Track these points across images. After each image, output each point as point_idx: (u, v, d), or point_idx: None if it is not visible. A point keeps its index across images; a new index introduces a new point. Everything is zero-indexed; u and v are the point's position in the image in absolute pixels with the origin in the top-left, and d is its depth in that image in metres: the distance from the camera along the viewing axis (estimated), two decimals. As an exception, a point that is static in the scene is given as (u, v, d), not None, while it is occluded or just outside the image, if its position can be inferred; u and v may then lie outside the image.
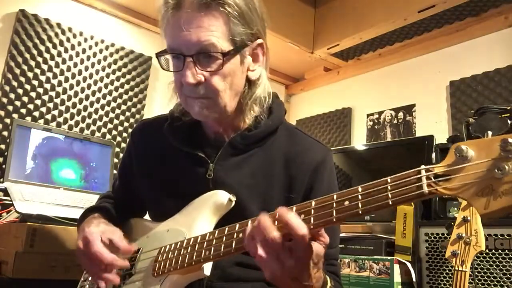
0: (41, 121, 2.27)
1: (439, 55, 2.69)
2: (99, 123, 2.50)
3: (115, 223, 1.09)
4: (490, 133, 1.07)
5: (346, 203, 0.70)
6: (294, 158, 1.04)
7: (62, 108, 2.37)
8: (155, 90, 2.78)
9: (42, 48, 2.32)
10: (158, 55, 0.99)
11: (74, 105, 2.42)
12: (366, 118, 3.02)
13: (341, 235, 1.36)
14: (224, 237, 0.83)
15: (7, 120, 2.16)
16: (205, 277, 0.91)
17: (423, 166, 0.64)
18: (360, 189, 0.69)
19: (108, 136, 2.51)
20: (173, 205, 1.03)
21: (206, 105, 0.97)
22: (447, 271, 1.52)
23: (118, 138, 2.56)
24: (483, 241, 1.18)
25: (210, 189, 0.99)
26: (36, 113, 2.27)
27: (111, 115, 2.55)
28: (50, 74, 2.34)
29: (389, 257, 1.64)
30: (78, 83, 2.45)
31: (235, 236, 0.82)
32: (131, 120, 2.63)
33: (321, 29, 3.03)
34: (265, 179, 1.02)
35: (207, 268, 0.88)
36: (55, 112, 2.34)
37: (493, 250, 1.41)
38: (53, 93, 2.34)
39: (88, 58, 2.51)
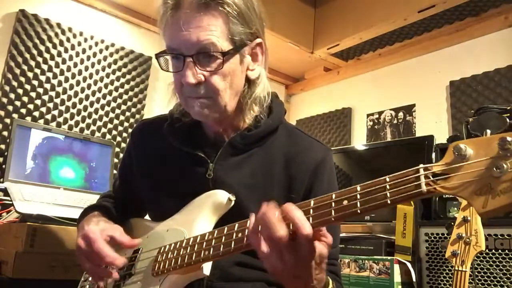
0: (41, 121, 2.27)
1: (439, 55, 2.69)
2: (99, 123, 2.50)
3: (115, 221, 1.09)
4: (488, 131, 1.06)
5: (345, 202, 0.70)
6: (294, 158, 1.04)
7: (62, 108, 2.37)
8: (155, 90, 2.78)
9: (42, 48, 2.32)
10: (157, 56, 0.99)
11: (74, 105, 2.42)
12: (366, 118, 3.02)
13: (341, 235, 1.36)
14: (224, 237, 0.83)
15: (7, 120, 2.16)
16: (205, 277, 0.91)
17: (421, 165, 0.64)
18: (358, 188, 0.69)
19: (108, 136, 2.51)
20: (173, 205, 1.03)
21: (207, 105, 0.97)
22: (447, 271, 1.52)
23: (118, 138, 2.56)
24: (483, 241, 1.18)
25: (210, 189, 0.99)
26: (36, 113, 2.27)
27: (111, 115, 2.56)
28: (50, 74, 2.34)
29: (389, 257, 1.64)
30: (78, 83, 2.45)
31: (234, 236, 0.82)
32: (131, 120, 2.63)
33: (321, 29, 3.03)
34: (265, 179, 1.02)
35: (207, 268, 0.88)
36: (55, 112, 2.34)
37: (493, 250, 1.41)
38: (53, 93, 2.34)
39: (88, 58, 2.51)
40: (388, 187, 0.66)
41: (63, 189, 1.94)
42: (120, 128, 2.58)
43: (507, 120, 1.34)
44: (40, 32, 2.33)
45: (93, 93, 2.50)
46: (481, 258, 1.43)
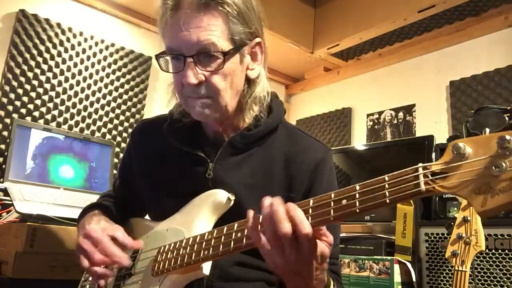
0: (41, 121, 2.27)
1: (439, 55, 2.69)
2: (99, 123, 2.50)
3: (115, 221, 1.09)
4: (487, 130, 1.06)
5: (344, 201, 0.70)
6: (294, 158, 1.04)
7: (62, 108, 2.37)
8: (155, 90, 2.78)
9: (42, 48, 2.32)
10: (157, 56, 0.99)
11: (74, 105, 2.42)
12: (366, 118, 3.02)
13: (341, 235, 1.35)
14: (223, 237, 0.83)
15: (7, 120, 2.16)
16: (205, 276, 0.91)
17: (420, 164, 0.64)
18: (357, 188, 0.69)
19: (108, 136, 2.51)
20: (173, 205, 1.03)
21: (207, 105, 0.97)
22: (447, 271, 1.51)
23: (118, 138, 2.56)
24: (483, 241, 1.18)
25: (209, 188, 0.99)
26: (36, 113, 2.27)
27: (111, 115, 2.56)
28: (50, 74, 2.34)
29: (389, 257, 1.64)
30: (78, 83, 2.45)
31: (233, 236, 0.82)
32: (131, 120, 2.63)
33: (321, 29, 3.03)
34: (265, 179, 1.02)
35: (206, 267, 0.88)
36: (55, 112, 2.34)
37: (493, 250, 1.41)
38: (53, 93, 2.34)
39: (88, 58, 2.51)
40: (387, 186, 0.66)
41: (63, 189, 1.94)
42: (120, 128, 2.58)
43: (506, 118, 1.34)
44: (40, 32, 2.33)
45: (93, 93, 2.50)
46: (481, 258, 1.42)
